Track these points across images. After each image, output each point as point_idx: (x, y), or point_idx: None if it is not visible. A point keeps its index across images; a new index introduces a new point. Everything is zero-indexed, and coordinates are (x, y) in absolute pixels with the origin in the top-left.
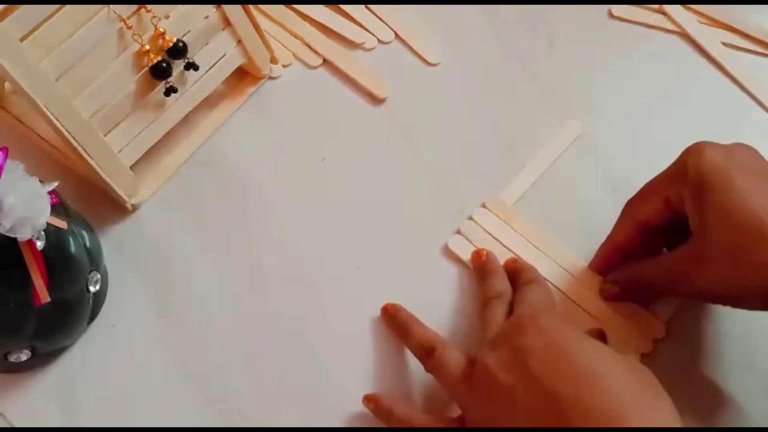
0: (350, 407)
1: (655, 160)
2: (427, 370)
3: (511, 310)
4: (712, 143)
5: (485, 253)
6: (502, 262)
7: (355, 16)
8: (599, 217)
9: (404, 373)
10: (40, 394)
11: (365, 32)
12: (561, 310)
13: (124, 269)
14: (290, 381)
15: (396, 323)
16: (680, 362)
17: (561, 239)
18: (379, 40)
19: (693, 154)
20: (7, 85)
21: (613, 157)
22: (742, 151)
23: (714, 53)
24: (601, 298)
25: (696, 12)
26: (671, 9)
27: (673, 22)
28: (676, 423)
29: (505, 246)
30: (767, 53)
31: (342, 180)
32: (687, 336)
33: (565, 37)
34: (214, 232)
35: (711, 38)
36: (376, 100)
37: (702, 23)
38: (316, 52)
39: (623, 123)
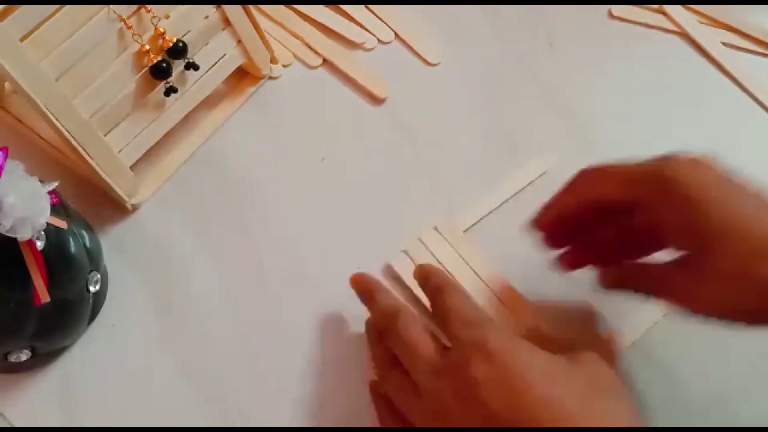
0: (350, 407)
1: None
2: (388, 341)
3: (435, 320)
4: (681, 156)
5: (362, 275)
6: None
7: (355, 16)
8: None
9: None
10: (40, 394)
11: (365, 32)
12: None
13: (124, 269)
14: (290, 381)
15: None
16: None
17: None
18: (379, 40)
19: (670, 167)
20: (7, 85)
21: (612, 156)
22: (713, 162)
23: (714, 53)
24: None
25: (696, 12)
26: (671, 9)
27: (673, 22)
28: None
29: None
30: (767, 53)
31: (342, 180)
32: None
33: (565, 37)
34: (214, 232)
35: (711, 38)
36: (376, 100)
37: (702, 23)
38: (316, 52)
39: (623, 123)
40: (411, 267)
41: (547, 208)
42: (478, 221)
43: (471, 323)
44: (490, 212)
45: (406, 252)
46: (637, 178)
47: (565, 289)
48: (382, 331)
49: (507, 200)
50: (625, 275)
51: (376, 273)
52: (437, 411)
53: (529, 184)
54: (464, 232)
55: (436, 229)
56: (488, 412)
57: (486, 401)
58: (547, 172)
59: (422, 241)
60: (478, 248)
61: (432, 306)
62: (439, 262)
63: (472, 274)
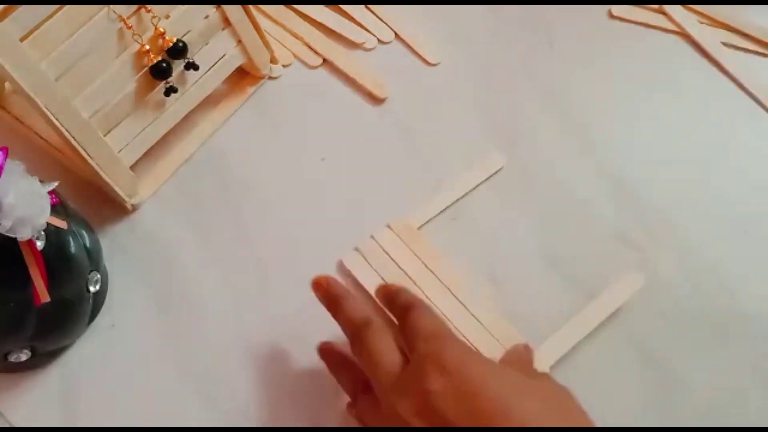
0: None
1: (654, 159)
2: (354, 351)
3: (403, 338)
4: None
5: (324, 279)
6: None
7: (355, 16)
8: (596, 215)
9: None
10: (40, 394)
11: (365, 32)
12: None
13: (124, 269)
14: (290, 381)
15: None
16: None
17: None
18: (379, 40)
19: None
20: (7, 85)
21: (612, 156)
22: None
23: (714, 53)
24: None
25: (696, 12)
26: (671, 9)
27: (673, 22)
28: None
29: None
30: (767, 53)
31: (342, 180)
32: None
33: (565, 37)
34: (214, 232)
35: (711, 38)
36: (376, 100)
37: (702, 23)
38: (316, 52)
39: (623, 123)
40: (363, 265)
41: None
42: (430, 219)
43: (431, 337)
44: (442, 210)
45: (358, 250)
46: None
47: (520, 282)
48: (350, 340)
49: (461, 198)
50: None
51: (329, 271)
52: (398, 426)
53: (483, 181)
54: (418, 229)
55: (389, 226)
56: (446, 422)
57: (443, 412)
58: (503, 169)
59: (375, 239)
60: (432, 245)
61: (400, 324)
62: (392, 259)
63: (427, 272)
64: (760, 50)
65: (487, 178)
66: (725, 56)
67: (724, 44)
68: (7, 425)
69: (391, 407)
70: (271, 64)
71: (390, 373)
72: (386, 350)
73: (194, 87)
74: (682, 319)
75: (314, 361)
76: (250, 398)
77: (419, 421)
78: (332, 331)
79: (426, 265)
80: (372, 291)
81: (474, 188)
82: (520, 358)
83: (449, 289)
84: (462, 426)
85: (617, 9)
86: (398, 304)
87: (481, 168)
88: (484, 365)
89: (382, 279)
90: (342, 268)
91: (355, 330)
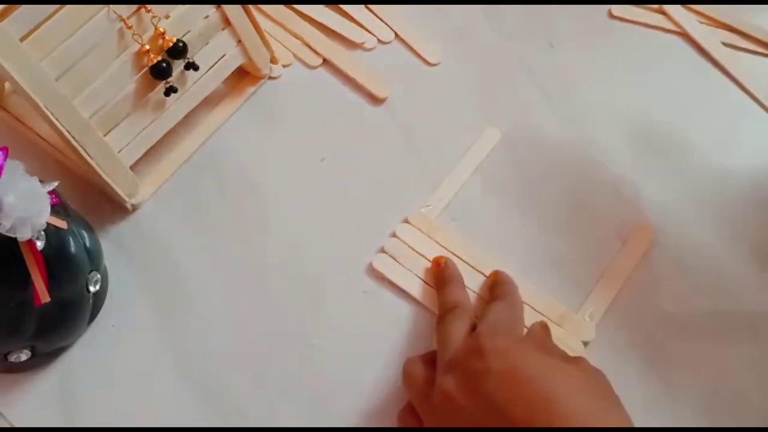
0: (350, 407)
1: (654, 159)
2: (435, 329)
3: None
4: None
5: (444, 260)
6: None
7: (355, 16)
8: (599, 213)
9: None
10: (40, 394)
11: (365, 32)
12: None
13: (124, 269)
14: (290, 381)
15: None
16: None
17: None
18: (379, 40)
19: None
20: (7, 85)
21: (613, 156)
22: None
23: (714, 53)
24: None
25: (696, 12)
26: (671, 9)
27: (673, 22)
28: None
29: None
30: (767, 53)
31: (342, 180)
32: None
33: (565, 37)
34: (214, 232)
35: (711, 38)
36: (376, 100)
37: (702, 23)
38: (316, 52)
39: (623, 122)
40: (392, 264)
41: None
42: (446, 205)
43: (494, 324)
44: (455, 194)
45: (384, 251)
46: None
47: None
48: (437, 319)
49: (460, 198)
50: None
51: (359, 273)
52: (445, 405)
53: (486, 156)
54: (435, 218)
55: (407, 221)
56: (490, 403)
57: (485, 390)
58: (500, 141)
59: (397, 236)
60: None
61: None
62: (418, 253)
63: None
64: (760, 50)
65: (487, 178)
66: (725, 56)
67: (724, 44)
68: (7, 425)
69: (440, 383)
70: (271, 64)
71: (450, 352)
72: (456, 333)
73: (194, 87)
74: (684, 315)
75: (314, 360)
76: (250, 398)
77: (462, 396)
78: (332, 331)
79: (455, 255)
80: (405, 287)
81: (473, 189)
82: (536, 336)
83: (483, 274)
84: (503, 405)
85: (617, 9)
86: (493, 294)
87: (480, 168)
88: (534, 355)
89: (417, 276)
90: (372, 270)
91: (442, 310)
